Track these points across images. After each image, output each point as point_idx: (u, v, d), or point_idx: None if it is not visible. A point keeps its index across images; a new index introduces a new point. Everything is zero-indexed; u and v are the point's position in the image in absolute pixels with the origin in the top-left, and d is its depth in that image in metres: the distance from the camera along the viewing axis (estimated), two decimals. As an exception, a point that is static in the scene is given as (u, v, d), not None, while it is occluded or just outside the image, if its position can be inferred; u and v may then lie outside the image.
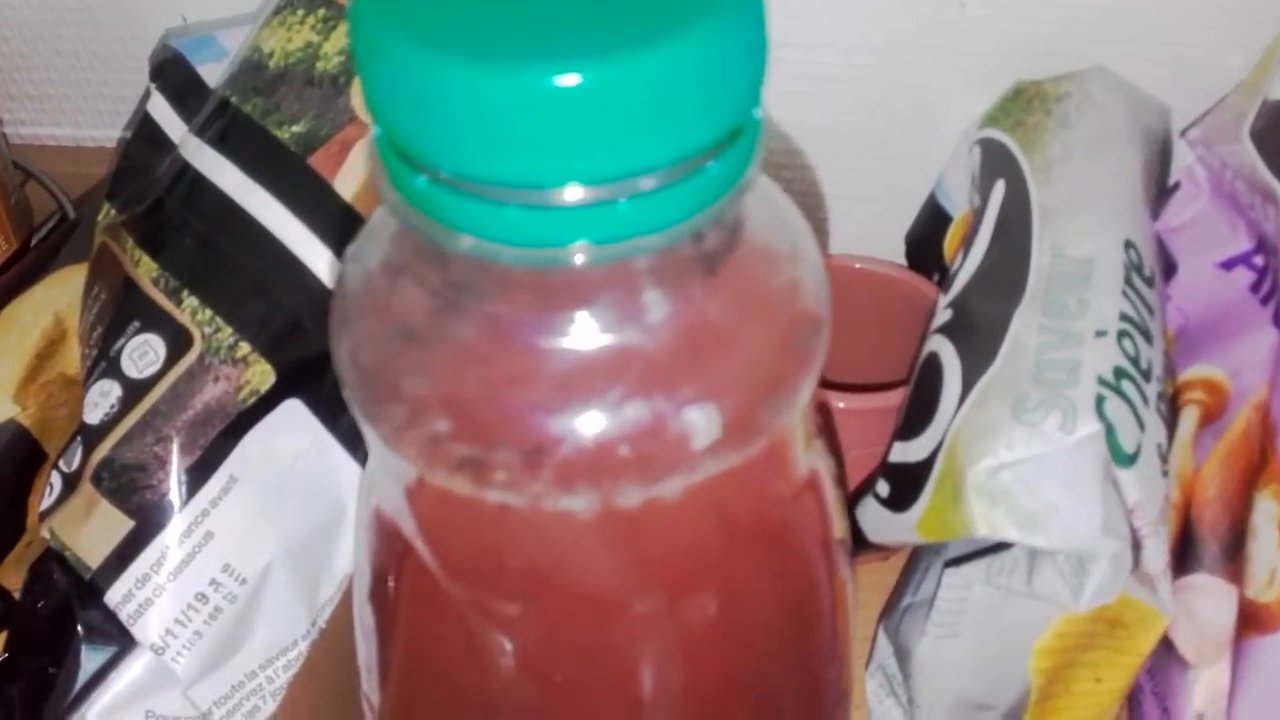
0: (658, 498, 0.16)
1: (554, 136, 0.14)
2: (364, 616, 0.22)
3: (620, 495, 0.16)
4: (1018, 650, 0.32)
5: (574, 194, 0.14)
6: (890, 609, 0.36)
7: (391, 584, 0.20)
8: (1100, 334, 0.30)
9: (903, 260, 0.45)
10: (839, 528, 0.21)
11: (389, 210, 0.15)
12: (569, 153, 0.14)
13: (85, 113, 0.49)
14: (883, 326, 0.41)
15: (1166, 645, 0.33)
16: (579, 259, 0.15)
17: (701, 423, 0.16)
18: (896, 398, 0.37)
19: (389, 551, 0.19)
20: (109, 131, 0.49)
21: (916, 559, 0.37)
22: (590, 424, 0.16)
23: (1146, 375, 0.30)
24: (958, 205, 0.42)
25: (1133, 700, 0.35)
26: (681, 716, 0.20)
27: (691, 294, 0.16)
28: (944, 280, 0.43)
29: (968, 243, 0.36)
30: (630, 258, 0.15)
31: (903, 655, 0.35)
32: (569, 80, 0.13)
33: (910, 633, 0.35)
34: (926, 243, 0.44)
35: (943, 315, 0.34)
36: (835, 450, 0.20)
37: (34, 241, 0.41)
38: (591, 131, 0.14)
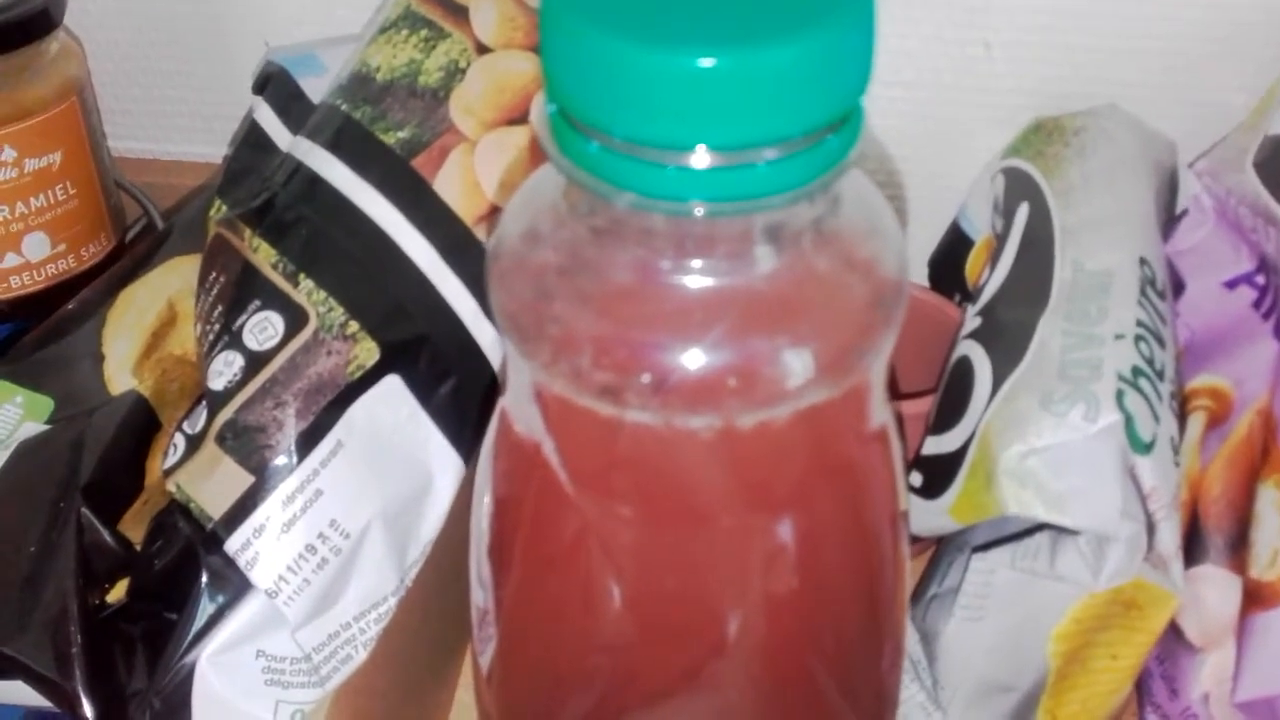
0: (768, 421, 0.19)
1: (696, 108, 0.17)
2: (482, 571, 0.25)
3: (739, 417, 0.19)
4: (1038, 634, 0.35)
5: (708, 159, 0.17)
6: (915, 600, 0.39)
7: (516, 516, 0.23)
8: (1119, 337, 0.33)
9: (925, 283, 0.48)
10: (902, 497, 0.24)
11: (561, 175, 0.19)
12: (714, 123, 0.17)
13: (165, 129, 0.52)
14: (907, 344, 0.44)
15: (1175, 631, 0.36)
16: (716, 212, 0.18)
17: (797, 363, 0.19)
18: (925, 405, 0.40)
19: (521, 473, 0.22)
20: (193, 147, 0.52)
21: (940, 555, 0.40)
22: (705, 358, 0.19)
23: (1160, 375, 0.33)
24: (979, 230, 0.45)
25: (1142, 684, 0.38)
26: (763, 630, 0.23)
27: (797, 252, 0.19)
28: (965, 300, 0.46)
29: (994, 259, 0.39)
30: (752, 215, 0.18)
31: (929, 639, 0.38)
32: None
33: (937, 618, 0.38)
34: (949, 265, 0.47)
35: (972, 323, 0.37)
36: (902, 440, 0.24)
37: (127, 239, 0.44)
38: (729, 107, 0.17)
